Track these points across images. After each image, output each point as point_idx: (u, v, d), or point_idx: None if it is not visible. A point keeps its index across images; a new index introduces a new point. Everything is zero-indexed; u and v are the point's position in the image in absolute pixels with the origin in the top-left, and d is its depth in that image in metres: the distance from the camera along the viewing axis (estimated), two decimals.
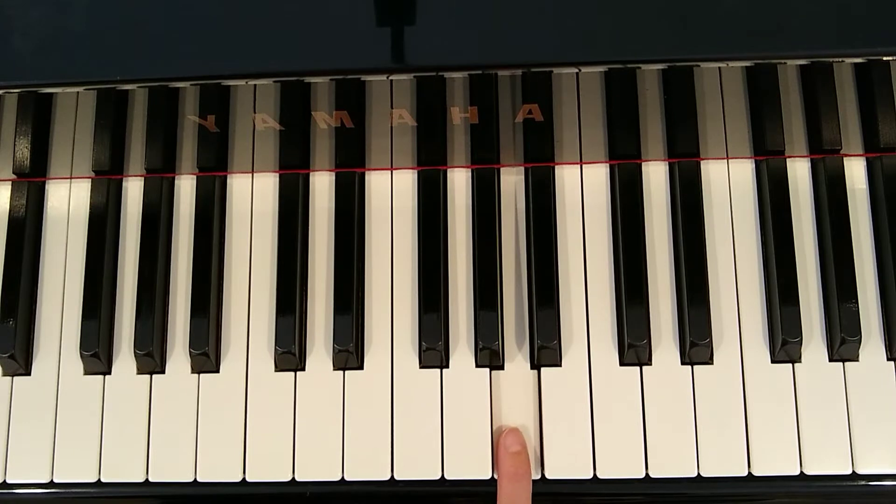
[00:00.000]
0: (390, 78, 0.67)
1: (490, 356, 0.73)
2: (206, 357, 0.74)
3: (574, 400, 0.72)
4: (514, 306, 0.75)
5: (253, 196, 0.78)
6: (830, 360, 0.73)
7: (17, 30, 0.62)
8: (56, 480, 0.74)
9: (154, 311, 0.75)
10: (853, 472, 0.70)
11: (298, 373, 0.75)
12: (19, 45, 0.62)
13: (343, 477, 0.72)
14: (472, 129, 0.75)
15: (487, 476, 0.72)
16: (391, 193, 0.77)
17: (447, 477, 0.72)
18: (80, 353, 0.75)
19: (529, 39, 0.61)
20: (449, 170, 0.78)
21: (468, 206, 0.77)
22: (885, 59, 0.63)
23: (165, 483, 0.73)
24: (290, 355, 0.74)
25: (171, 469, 0.73)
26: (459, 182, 0.77)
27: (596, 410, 0.72)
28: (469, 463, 0.72)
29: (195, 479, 0.73)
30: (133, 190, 0.79)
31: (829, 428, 0.71)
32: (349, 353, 0.73)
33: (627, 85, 0.74)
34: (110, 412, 0.74)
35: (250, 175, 0.78)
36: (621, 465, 0.71)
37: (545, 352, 0.72)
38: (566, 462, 0.72)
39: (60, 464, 0.74)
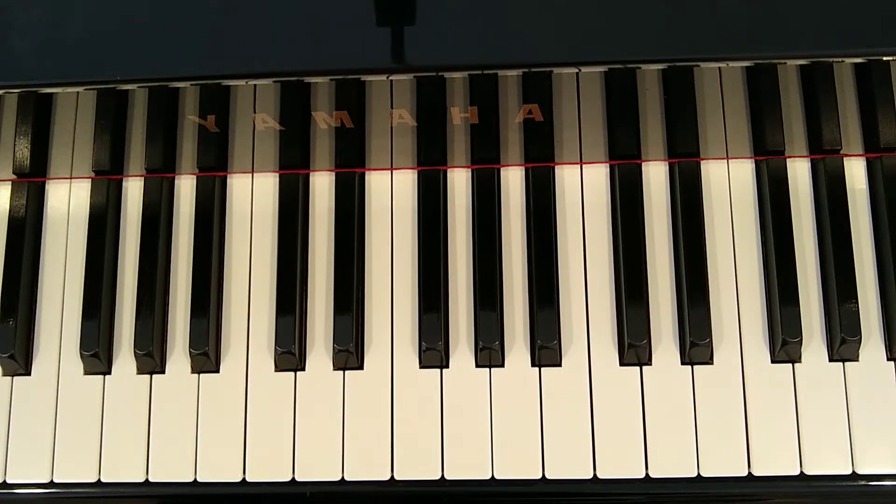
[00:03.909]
0: (390, 78, 0.67)
1: (490, 356, 0.73)
2: (206, 357, 0.74)
3: (574, 400, 0.72)
4: (515, 306, 0.75)
5: (253, 196, 0.78)
6: (830, 360, 0.72)
7: (17, 30, 0.62)
8: (56, 480, 0.74)
9: (154, 311, 0.75)
10: (853, 472, 0.70)
11: (298, 373, 0.75)
12: (19, 45, 0.62)
13: (343, 477, 0.72)
14: (472, 129, 0.75)
15: (487, 476, 0.72)
16: (391, 193, 0.77)
17: (447, 477, 0.72)
18: (80, 353, 0.75)
19: (529, 39, 0.61)
20: (449, 170, 0.78)
21: (468, 206, 0.77)
22: (885, 59, 0.63)
23: (165, 483, 0.73)
24: (290, 355, 0.74)
25: (171, 469, 0.73)
26: (459, 182, 0.77)
27: (596, 410, 0.72)
28: (469, 463, 0.72)
29: (195, 479, 0.73)
30: (133, 190, 0.79)
31: (829, 428, 0.71)
32: (349, 353, 0.73)
33: (627, 85, 0.74)
34: (110, 412, 0.74)
35: (250, 175, 0.78)
36: (621, 465, 0.71)
37: (545, 352, 0.72)
38: (566, 462, 0.72)
39: (60, 464, 0.74)
